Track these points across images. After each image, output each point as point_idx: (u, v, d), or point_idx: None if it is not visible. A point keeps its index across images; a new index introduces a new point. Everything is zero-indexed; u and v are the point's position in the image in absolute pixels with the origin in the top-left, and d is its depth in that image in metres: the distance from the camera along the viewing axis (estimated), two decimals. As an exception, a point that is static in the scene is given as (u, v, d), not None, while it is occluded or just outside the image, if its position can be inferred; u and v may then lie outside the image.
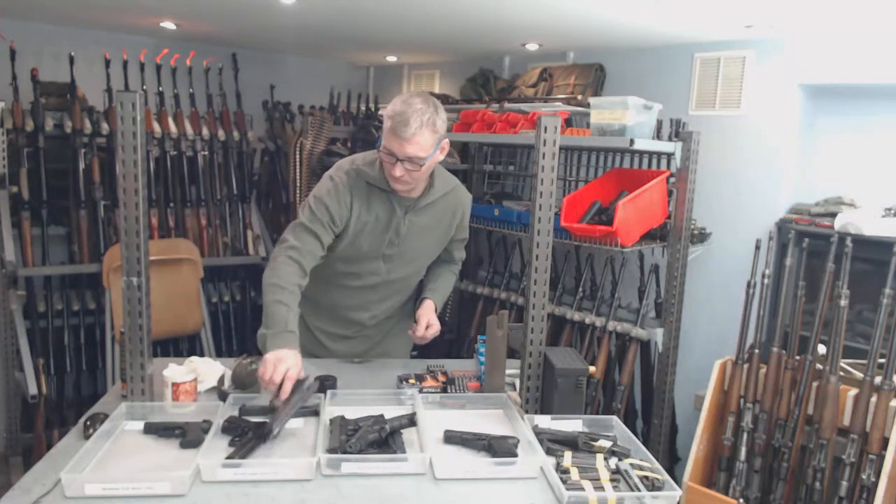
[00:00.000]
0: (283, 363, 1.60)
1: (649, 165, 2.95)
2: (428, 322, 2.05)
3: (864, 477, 1.96)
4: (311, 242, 1.88)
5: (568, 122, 3.04)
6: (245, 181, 3.76)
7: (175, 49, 3.64)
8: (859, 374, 2.05)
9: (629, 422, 2.91)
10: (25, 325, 3.07)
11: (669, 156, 2.63)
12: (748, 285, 2.30)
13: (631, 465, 1.47)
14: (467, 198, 2.15)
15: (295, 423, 1.64)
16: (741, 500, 2.22)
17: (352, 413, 1.62)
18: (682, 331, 2.71)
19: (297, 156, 3.35)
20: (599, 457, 1.50)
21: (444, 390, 1.89)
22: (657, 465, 1.48)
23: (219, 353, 3.50)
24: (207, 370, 1.86)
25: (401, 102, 1.80)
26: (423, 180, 1.92)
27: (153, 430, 1.57)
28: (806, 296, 2.20)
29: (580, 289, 2.96)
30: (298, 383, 1.62)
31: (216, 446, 1.50)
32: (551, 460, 1.48)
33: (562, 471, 1.44)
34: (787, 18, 2.56)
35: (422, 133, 1.78)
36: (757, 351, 2.28)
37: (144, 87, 3.46)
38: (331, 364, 2.08)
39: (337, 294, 2.10)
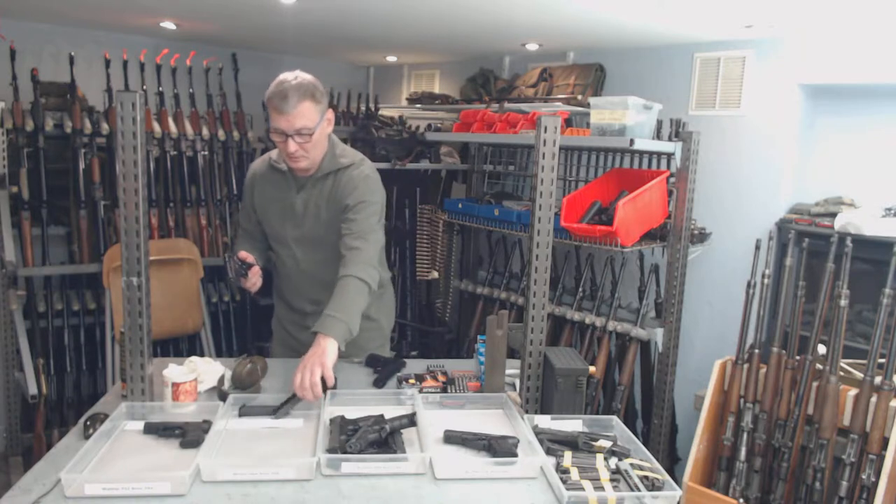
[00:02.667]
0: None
1: (649, 165, 2.95)
2: (303, 369, 1.66)
3: (864, 477, 1.96)
4: (244, 236, 2.21)
5: (568, 122, 3.04)
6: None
7: (175, 49, 3.63)
8: (859, 374, 2.05)
9: (629, 422, 2.91)
10: (25, 325, 3.06)
11: (669, 156, 2.63)
12: (748, 285, 2.30)
13: (631, 465, 1.47)
14: (364, 171, 2.04)
15: (295, 423, 1.65)
16: (741, 500, 2.22)
17: (352, 413, 1.62)
18: (682, 331, 2.71)
19: (297, 156, 3.35)
20: (599, 457, 1.50)
21: (444, 390, 1.89)
22: (657, 465, 1.48)
23: (219, 353, 3.50)
24: (207, 370, 1.86)
25: (275, 84, 1.92)
26: (318, 155, 2.00)
27: (153, 430, 1.57)
28: (806, 296, 2.20)
29: (580, 289, 2.96)
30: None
31: (216, 446, 1.50)
32: (551, 460, 1.48)
33: (562, 471, 1.44)
34: (787, 18, 2.56)
35: (303, 104, 1.88)
36: (757, 351, 2.28)
37: (144, 87, 3.46)
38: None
39: (281, 282, 2.24)
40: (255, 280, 2.00)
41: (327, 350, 1.70)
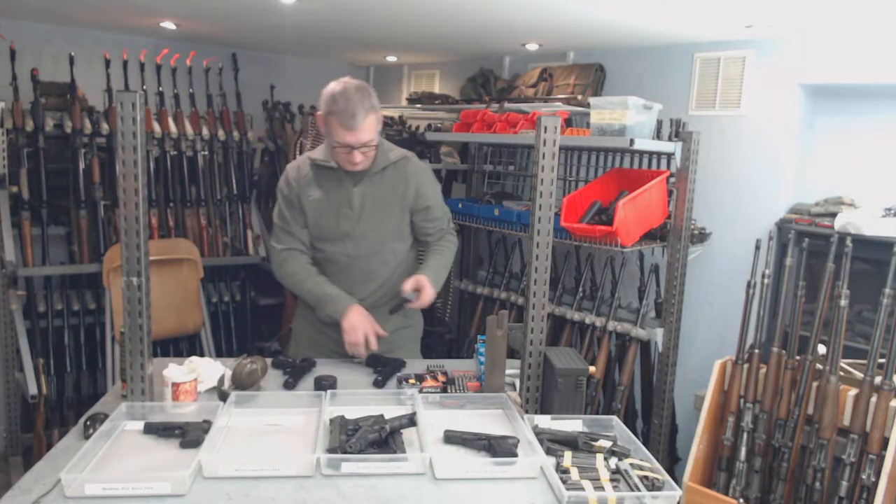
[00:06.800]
0: (360, 328, 2.00)
1: (649, 165, 2.95)
2: (417, 284, 2.04)
3: (864, 477, 1.96)
4: (288, 237, 2.13)
5: (568, 122, 3.04)
6: (245, 181, 3.76)
7: (175, 49, 3.64)
8: (859, 374, 2.05)
9: (629, 422, 2.91)
10: (25, 325, 3.07)
11: (669, 156, 2.63)
12: (748, 285, 2.30)
13: (631, 465, 1.47)
14: (420, 166, 2.19)
15: (295, 422, 1.65)
16: (741, 500, 2.22)
17: (352, 413, 1.62)
18: (682, 331, 2.71)
19: (297, 156, 3.35)
20: (599, 457, 1.50)
21: (444, 390, 1.89)
22: (657, 465, 1.48)
23: (219, 353, 3.50)
24: (207, 370, 1.86)
25: (340, 98, 1.92)
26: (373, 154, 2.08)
27: (153, 430, 1.57)
28: (806, 296, 2.20)
29: (580, 289, 2.96)
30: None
31: (218, 443, 1.50)
32: (551, 460, 1.48)
33: (562, 471, 1.44)
34: (787, 18, 2.57)
35: (368, 119, 1.94)
36: (757, 351, 2.28)
37: (144, 87, 3.47)
38: (331, 364, 2.08)
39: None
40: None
41: (425, 279, 2.03)
